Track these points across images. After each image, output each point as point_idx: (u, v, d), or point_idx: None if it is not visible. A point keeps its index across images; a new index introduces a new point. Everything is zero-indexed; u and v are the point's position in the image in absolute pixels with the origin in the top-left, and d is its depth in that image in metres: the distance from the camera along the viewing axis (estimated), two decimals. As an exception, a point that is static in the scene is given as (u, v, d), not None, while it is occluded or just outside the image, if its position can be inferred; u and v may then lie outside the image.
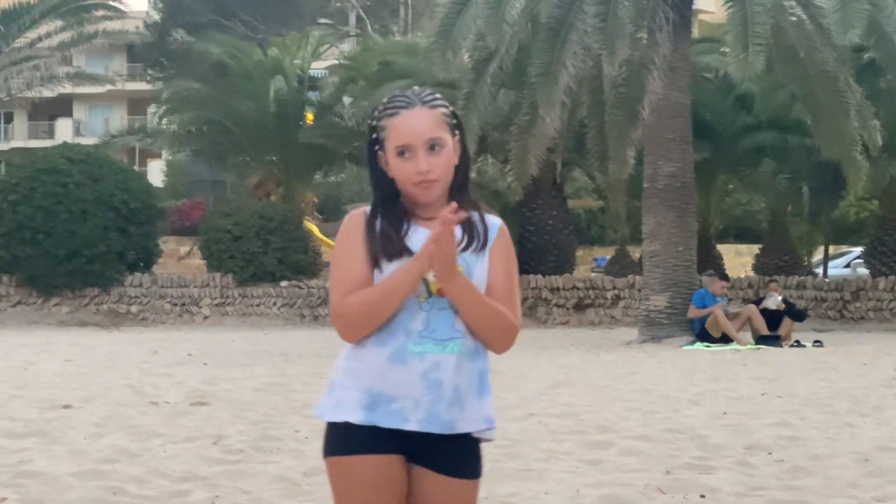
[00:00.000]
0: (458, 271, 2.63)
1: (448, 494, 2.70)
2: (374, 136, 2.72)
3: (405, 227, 2.69)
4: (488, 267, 2.72)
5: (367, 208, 2.75)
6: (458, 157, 2.73)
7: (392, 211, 2.71)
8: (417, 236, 2.68)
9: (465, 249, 2.69)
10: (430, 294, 2.67)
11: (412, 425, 2.64)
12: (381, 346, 2.66)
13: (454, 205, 2.60)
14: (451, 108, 2.74)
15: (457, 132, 2.73)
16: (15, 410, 8.78)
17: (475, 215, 2.74)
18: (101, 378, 11.56)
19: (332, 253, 2.75)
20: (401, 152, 2.67)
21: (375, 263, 2.68)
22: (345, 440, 2.67)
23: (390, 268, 2.66)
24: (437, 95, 2.75)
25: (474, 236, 2.71)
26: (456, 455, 2.71)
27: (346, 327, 2.66)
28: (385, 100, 2.75)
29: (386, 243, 2.67)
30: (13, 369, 12.71)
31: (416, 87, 2.78)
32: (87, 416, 8.45)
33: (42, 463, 6.42)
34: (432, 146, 2.67)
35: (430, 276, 2.66)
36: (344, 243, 2.72)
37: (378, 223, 2.69)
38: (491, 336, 2.69)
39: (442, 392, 2.65)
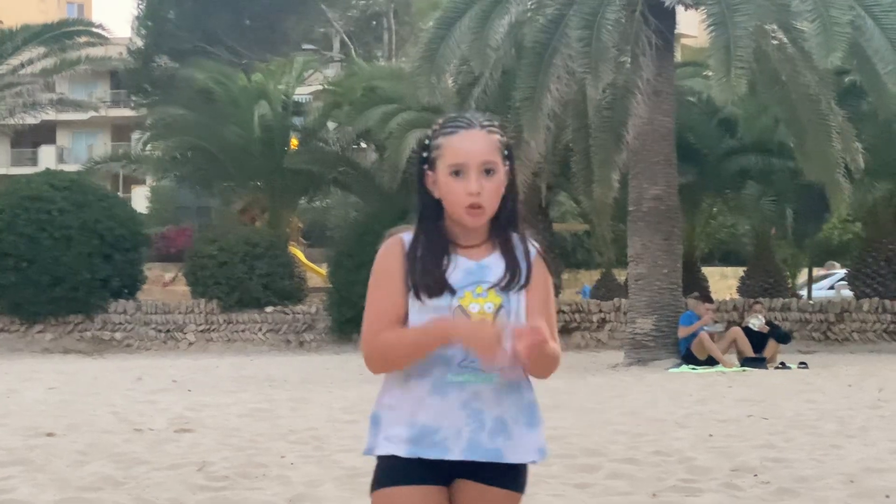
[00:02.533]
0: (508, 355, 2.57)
1: None
2: (425, 154, 2.71)
3: (447, 259, 2.67)
4: (527, 298, 2.70)
5: (405, 235, 2.72)
6: (505, 187, 2.71)
7: (434, 239, 2.68)
8: (459, 268, 2.67)
9: (506, 288, 2.67)
10: None
11: (455, 454, 2.66)
12: (422, 377, 2.67)
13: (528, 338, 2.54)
14: (506, 138, 2.73)
15: (507, 162, 2.71)
16: (-2, 438, 8.71)
17: (520, 251, 2.71)
18: (85, 405, 11.49)
19: (370, 280, 2.73)
20: (455, 172, 2.66)
21: (416, 294, 2.67)
22: (391, 473, 2.69)
23: (431, 303, 2.65)
24: (496, 122, 2.74)
25: (516, 275, 2.68)
26: (501, 466, 2.71)
27: (373, 364, 2.69)
28: (441, 120, 2.74)
29: (428, 280, 2.65)
30: (-4, 397, 12.62)
31: (475, 111, 2.77)
32: (70, 443, 8.39)
33: (25, 491, 6.36)
34: (487, 170, 2.66)
35: (470, 307, 2.65)
36: (379, 274, 2.71)
37: (419, 254, 2.67)
38: (541, 372, 2.69)
39: (483, 421, 2.66)
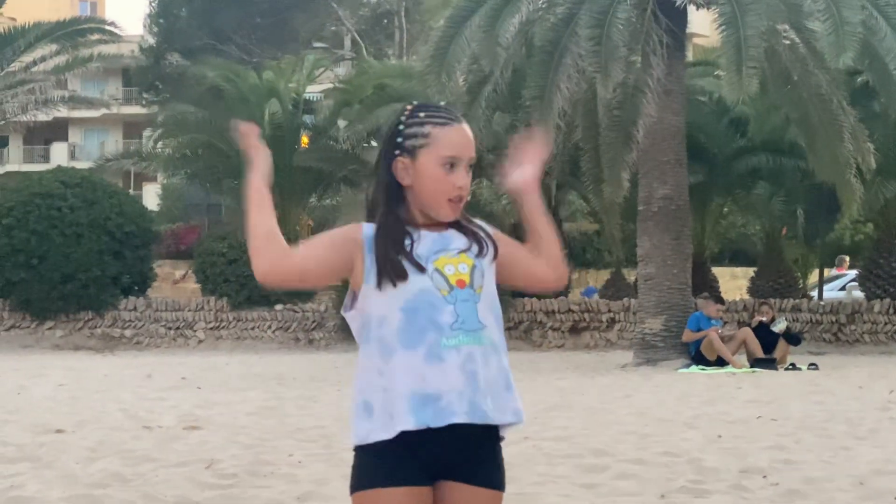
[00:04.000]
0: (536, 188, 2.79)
1: None
2: (399, 140, 2.68)
3: (408, 241, 2.67)
4: (511, 250, 2.78)
5: (364, 225, 2.70)
6: None
7: (396, 227, 2.68)
8: (425, 242, 2.68)
9: (478, 256, 2.72)
10: (450, 287, 2.66)
11: (460, 417, 2.61)
12: (413, 348, 2.62)
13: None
14: None
15: None
16: (7, 435, 8.74)
17: (474, 226, 2.76)
18: (95, 402, 11.52)
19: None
20: (449, 164, 2.67)
21: (379, 283, 2.66)
22: (373, 473, 2.64)
23: (393, 291, 2.64)
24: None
25: (483, 244, 2.73)
26: (483, 465, 2.70)
27: (251, 254, 2.68)
28: (412, 107, 2.72)
29: (389, 269, 2.65)
30: (6, 393, 12.67)
31: (445, 104, 2.82)
32: (79, 440, 8.41)
33: (34, 488, 6.38)
34: (469, 165, 2.71)
35: (446, 269, 2.66)
36: (330, 233, 2.72)
37: (382, 242, 2.66)
38: (558, 251, 2.83)
39: (478, 383, 2.64)
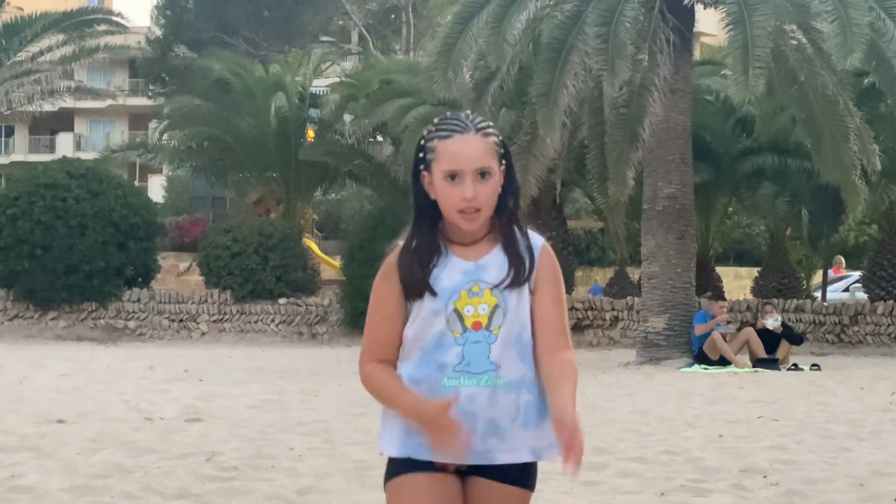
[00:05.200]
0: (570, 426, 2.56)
1: (500, 501, 2.72)
2: (421, 154, 2.70)
3: (436, 258, 2.68)
4: (536, 298, 2.71)
5: (402, 242, 2.73)
6: (501, 185, 2.70)
7: (427, 239, 2.69)
8: (455, 269, 2.68)
9: (509, 287, 2.67)
10: (464, 329, 2.67)
11: (447, 458, 2.67)
12: (416, 383, 2.68)
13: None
14: (500, 138, 2.73)
15: (503, 162, 2.71)
16: (9, 424, 8.76)
17: (522, 246, 2.71)
18: (97, 393, 11.54)
19: (370, 297, 2.76)
20: (451, 176, 2.65)
21: (408, 296, 2.69)
22: (400, 463, 2.72)
23: (424, 304, 2.66)
24: (490, 123, 2.73)
25: (520, 273, 2.69)
26: (514, 463, 2.72)
27: (363, 385, 2.78)
28: (436, 120, 2.73)
29: (409, 281, 2.67)
30: (9, 383, 12.69)
31: (468, 112, 2.75)
32: (81, 431, 8.43)
33: (34, 477, 6.39)
34: (482, 174, 2.66)
35: (465, 311, 2.65)
36: (376, 298, 2.74)
37: (408, 257, 2.68)
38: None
39: (476, 425, 2.66)
